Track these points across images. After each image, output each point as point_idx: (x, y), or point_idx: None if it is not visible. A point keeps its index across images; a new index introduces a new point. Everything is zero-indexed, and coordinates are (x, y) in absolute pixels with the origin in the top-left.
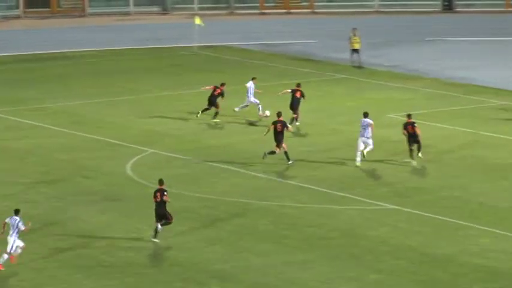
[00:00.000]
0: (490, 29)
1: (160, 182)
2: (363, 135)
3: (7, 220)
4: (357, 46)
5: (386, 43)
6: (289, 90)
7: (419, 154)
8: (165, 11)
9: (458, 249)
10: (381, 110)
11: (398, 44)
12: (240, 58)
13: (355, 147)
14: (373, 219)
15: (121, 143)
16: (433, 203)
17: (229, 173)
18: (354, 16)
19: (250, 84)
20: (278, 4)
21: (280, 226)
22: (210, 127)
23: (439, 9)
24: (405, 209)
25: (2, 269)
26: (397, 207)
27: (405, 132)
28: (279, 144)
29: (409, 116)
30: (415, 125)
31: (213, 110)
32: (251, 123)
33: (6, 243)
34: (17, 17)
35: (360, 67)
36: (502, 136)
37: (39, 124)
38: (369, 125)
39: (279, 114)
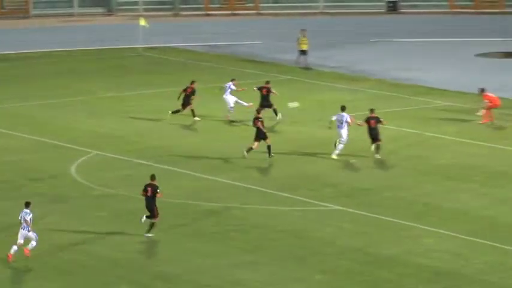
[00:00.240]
0: (434, 30)
1: (152, 177)
2: (340, 129)
3: (20, 217)
4: (304, 47)
5: (331, 44)
6: (256, 88)
7: (377, 155)
8: (109, 12)
9: (402, 250)
10: (325, 111)
11: (343, 45)
12: (184, 59)
13: (334, 141)
14: (318, 220)
15: (65, 144)
16: (378, 204)
17: (174, 175)
18: (299, 17)
19: (229, 85)
20: (223, 5)
21: (226, 227)
22: (155, 128)
23: (383, 10)
24: (350, 210)
25: (12, 259)
26: (342, 208)
27: (362, 123)
28: (258, 140)
29: (371, 110)
30: (381, 119)
31: (188, 109)
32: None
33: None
34: None
35: (307, 68)
36: (446, 137)
37: None
38: (345, 119)
39: (258, 111)
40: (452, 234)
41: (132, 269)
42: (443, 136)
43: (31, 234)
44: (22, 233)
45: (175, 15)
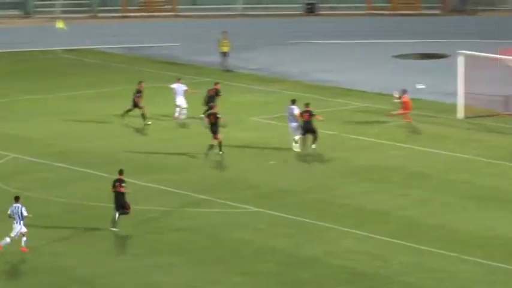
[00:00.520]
0: (353, 31)
1: (120, 172)
2: (291, 122)
3: (9, 212)
4: (225, 49)
5: (249, 46)
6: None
7: (313, 145)
8: (26, 14)
9: (322, 251)
10: (244, 113)
11: (262, 47)
12: (103, 61)
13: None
14: (237, 222)
15: None
16: (297, 205)
17: (92, 177)
18: (217, 19)
19: (176, 86)
20: (141, 7)
21: (144, 230)
22: (73, 131)
23: (301, 12)
24: (269, 212)
25: (1, 249)
26: (261, 209)
27: (298, 115)
28: (215, 135)
29: (306, 104)
30: (313, 113)
31: (137, 111)
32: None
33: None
34: None
35: (227, 70)
36: (365, 138)
37: None
38: (293, 111)
39: (211, 107)
40: (371, 235)
41: (48, 273)
42: (362, 138)
43: (24, 228)
44: (17, 227)
45: (93, 17)
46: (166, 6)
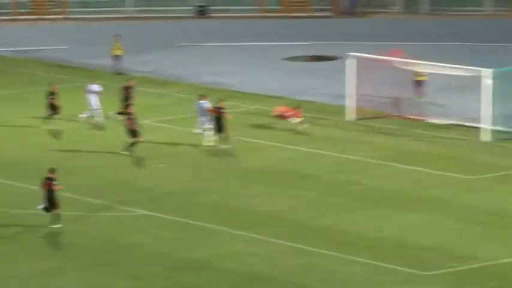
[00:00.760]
0: (243, 34)
1: (51, 170)
2: (201, 116)
3: None
4: (118, 52)
5: (140, 49)
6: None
7: (226, 145)
8: None
9: (211, 254)
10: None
11: (153, 50)
12: None
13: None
14: (127, 225)
15: None
16: (187, 208)
17: None
18: (107, 22)
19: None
20: (31, 10)
21: (33, 233)
22: None
23: (192, 14)
24: (159, 215)
25: None
26: (150, 213)
27: (211, 109)
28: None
29: (221, 101)
30: (222, 111)
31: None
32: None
33: None
34: None
35: (119, 73)
36: (255, 140)
37: None
38: (203, 106)
39: (127, 106)
40: (262, 237)
41: None
42: (252, 140)
43: None
44: None
45: None
46: (55, 9)
